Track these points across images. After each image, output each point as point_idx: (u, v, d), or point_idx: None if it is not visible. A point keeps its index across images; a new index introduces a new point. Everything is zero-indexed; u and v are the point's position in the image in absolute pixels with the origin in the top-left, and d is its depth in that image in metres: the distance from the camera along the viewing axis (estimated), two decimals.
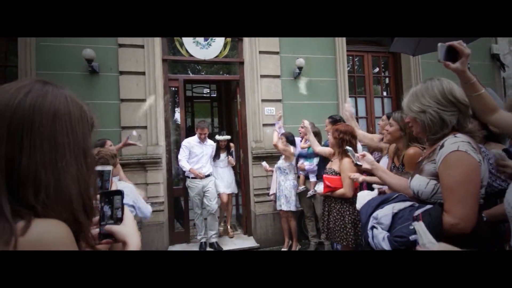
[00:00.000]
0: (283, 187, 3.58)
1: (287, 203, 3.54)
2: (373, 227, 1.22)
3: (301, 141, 3.72)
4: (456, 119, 1.13)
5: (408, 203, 1.19)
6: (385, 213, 1.19)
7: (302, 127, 3.49)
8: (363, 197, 2.03)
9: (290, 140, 3.61)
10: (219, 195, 4.06)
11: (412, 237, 1.03)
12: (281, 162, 3.64)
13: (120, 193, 0.71)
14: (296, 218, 3.77)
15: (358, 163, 1.62)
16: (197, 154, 3.84)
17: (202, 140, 3.87)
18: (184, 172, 3.87)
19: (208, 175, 3.88)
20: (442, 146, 1.11)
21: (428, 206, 1.11)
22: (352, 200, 2.36)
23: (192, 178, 3.77)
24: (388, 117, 2.34)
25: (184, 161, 3.79)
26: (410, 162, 1.83)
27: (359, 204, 2.05)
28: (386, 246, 1.13)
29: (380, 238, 1.16)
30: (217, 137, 4.14)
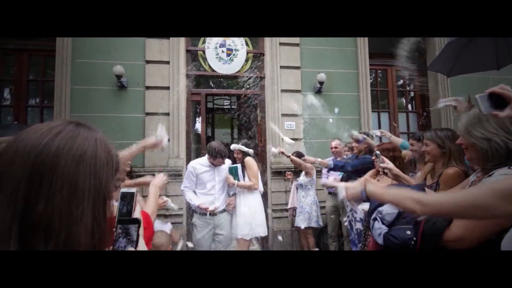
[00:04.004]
0: (304, 203, 3.53)
1: (308, 219, 3.47)
2: (375, 219, 1.23)
3: (335, 159, 3.62)
4: None
5: None
6: (391, 211, 1.17)
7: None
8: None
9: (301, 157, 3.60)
10: (237, 241, 2.90)
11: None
12: (302, 179, 3.60)
13: (137, 222, 0.68)
14: (316, 235, 3.68)
15: (385, 166, 1.69)
16: (207, 183, 2.81)
17: (214, 165, 2.83)
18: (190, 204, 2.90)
19: (223, 210, 2.88)
20: (490, 176, 1.02)
21: None
22: None
23: (201, 214, 2.80)
24: (417, 139, 2.24)
25: (189, 193, 2.83)
26: (448, 182, 1.65)
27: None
28: (380, 241, 1.20)
29: (377, 232, 1.22)
30: (233, 146, 3.05)
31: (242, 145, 2.96)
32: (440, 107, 2.36)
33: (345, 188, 1.18)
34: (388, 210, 1.20)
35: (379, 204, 1.26)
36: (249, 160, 2.92)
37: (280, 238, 3.84)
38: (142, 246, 0.68)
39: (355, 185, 1.15)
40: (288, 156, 3.36)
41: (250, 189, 2.86)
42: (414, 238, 1.08)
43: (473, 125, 1.07)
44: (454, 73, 3.01)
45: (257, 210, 2.87)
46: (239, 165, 2.91)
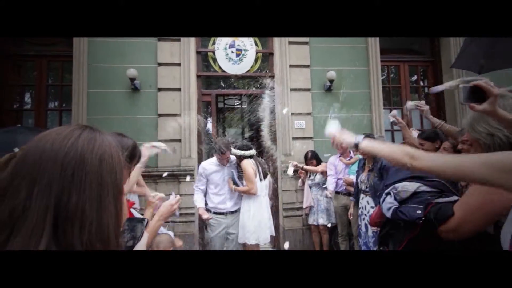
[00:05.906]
0: (322, 201, 3.58)
1: (328, 215, 3.54)
2: (388, 193, 1.25)
3: (340, 156, 3.55)
4: None
5: (436, 190, 1.16)
6: (407, 188, 1.19)
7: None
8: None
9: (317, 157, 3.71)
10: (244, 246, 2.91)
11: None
12: (319, 178, 3.62)
13: (145, 221, 0.75)
14: (329, 233, 3.70)
15: None
16: (217, 183, 2.84)
17: (223, 163, 2.84)
18: (206, 204, 2.91)
19: (236, 211, 2.90)
20: None
21: (455, 198, 1.08)
22: None
23: (215, 213, 2.84)
24: (428, 138, 2.17)
25: (197, 194, 2.86)
26: None
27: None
28: (388, 214, 1.22)
29: (387, 206, 1.24)
30: (233, 150, 2.89)
31: (238, 148, 2.85)
32: (408, 109, 2.33)
33: (340, 132, 1.19)
34: (406, 187, 1.22)
35: (396, 181, 1.29)
36: (244, 163, 2.81)
37: (287, 243, 3.79)
38: (143, 243, 0.74)
39: (350, 135, 1.15)
40: (302, 168, 3.60)
41: (247, 193, 2.81)
42: (423, 218, 1.10)
43: (477, 120, 1.06)
44: (486, 69, 2.87)
45: (249, 217, 2.78)
46: (234, 170, 2.90)
